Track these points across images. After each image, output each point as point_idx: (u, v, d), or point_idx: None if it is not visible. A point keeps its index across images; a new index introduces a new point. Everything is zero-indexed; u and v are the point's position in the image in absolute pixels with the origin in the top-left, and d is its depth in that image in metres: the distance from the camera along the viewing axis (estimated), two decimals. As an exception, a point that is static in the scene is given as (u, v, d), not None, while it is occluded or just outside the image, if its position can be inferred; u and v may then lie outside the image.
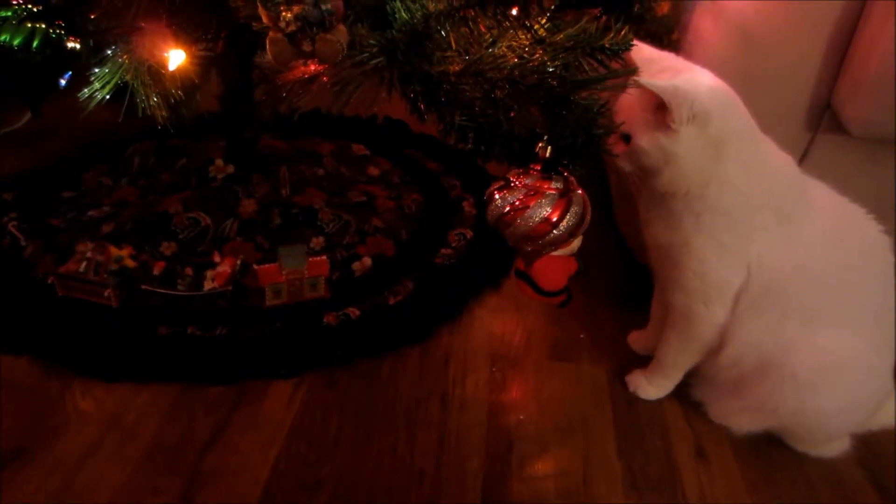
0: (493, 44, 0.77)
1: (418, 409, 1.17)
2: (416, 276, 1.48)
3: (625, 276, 1.54)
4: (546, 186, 0.82)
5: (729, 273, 1.04)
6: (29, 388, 1.15)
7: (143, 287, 1.32)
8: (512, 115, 0.77)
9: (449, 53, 0.77)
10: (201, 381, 1.18)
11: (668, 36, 1.15)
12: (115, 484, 1.00)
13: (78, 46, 0.77)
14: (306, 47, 0.66)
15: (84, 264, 1.29)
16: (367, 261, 1.50)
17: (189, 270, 1.37)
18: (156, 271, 1.36)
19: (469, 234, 1.65)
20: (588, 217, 0.86)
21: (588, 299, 1.46)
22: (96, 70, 0.79)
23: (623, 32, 0.81)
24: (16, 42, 0.73)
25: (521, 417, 1.17)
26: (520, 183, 0.83)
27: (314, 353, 1.26)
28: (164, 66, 0.74)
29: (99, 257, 1.27)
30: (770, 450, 1.15)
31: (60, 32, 0.76)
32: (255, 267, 1.32)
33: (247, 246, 1.50)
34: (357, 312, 1.36)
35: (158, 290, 1.31)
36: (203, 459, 1.05)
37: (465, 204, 1.79)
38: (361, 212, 1.66)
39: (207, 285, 1.33)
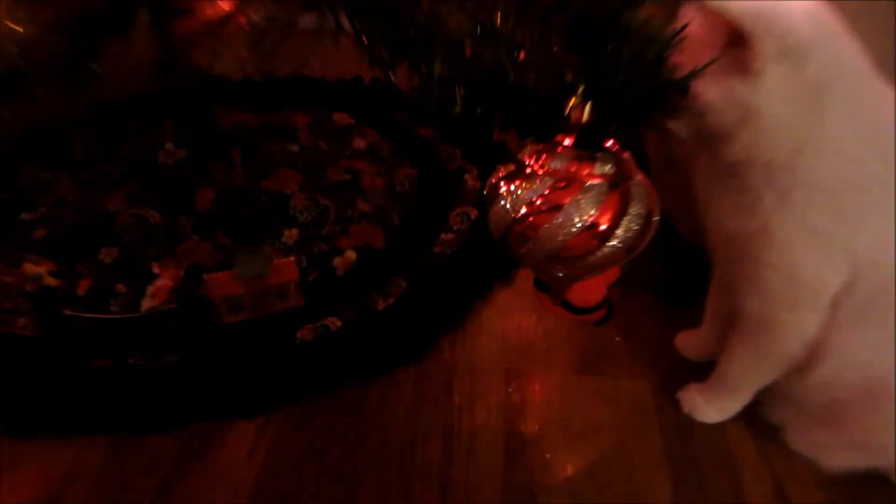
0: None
1: (415, 450, 0.92)
2: (410, 271, 1.22)
3: (669, 259, 1.25)
4: (586, 173, 0.53)
5: (826, 270, 0.77)
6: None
7: (67, 312, 1.06)
8: (522, 55, 0.49)
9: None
10: (141, 429, 0.93)
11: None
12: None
13: None
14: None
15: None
16: (351, 255, 1.24)
17: (122, 287, 1.11)
18: (81, 291, 1.10)
19: (473, 213, 1.37)
20: (656, 217, 0.57)
21: (624, 292, 1.18)
22: None
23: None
24: None
25: (547, 456, 0.92)
26: (541, 168, 0.54)
27: (285, 381, 1.01)
28: None
29: (8, 278, 1.01)
30: (875, 491, 0.89)
31: None
32: (206, 277, 1.05)
33: (204, 246, 1.24)
34: (338, 323, 1.10)
35: (85, 315, 1.05)
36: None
37: (467, 177, 1.51)
38: (344, 194, 1.40)
39: (146, 304, 1.08)
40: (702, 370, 1.00)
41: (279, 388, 1.00)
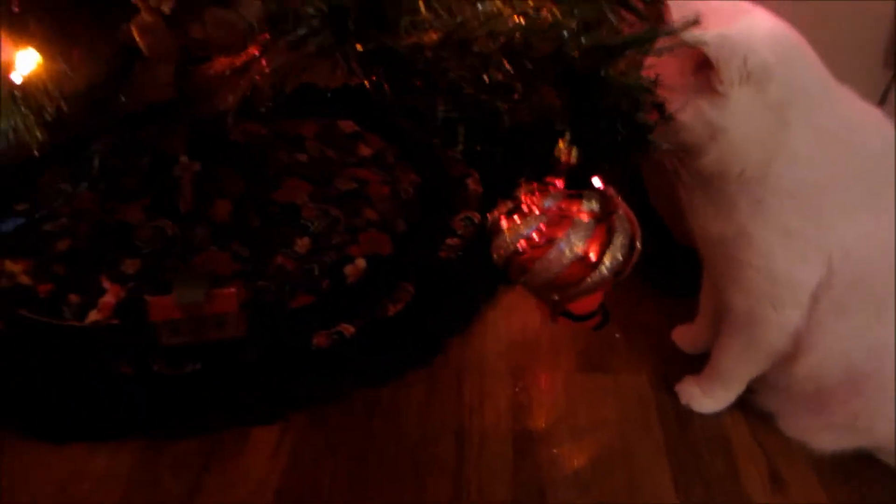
0: (480, -1, 0.53)
1: (428, 449, 0.98)
2: (418, 276, 1.27)
3: (663, 258, 1.31)
4: (575, 210, 0.59)
5: (802, 269, 0.82)
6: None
7: (22, 312, 1.14)
8: (515, 98, 0.54)
9: (420, 18, 0.54)
10: (167, 435, 0.99)
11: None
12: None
13: None
14: (196, 33, 0.44)
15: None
16: (361, 263, 1.30)
17: (75, 297, 1.18)
18: (42, 293, 1.18)
19: (476, 217, 1.43)
20: (639, 245, 0.63)
21: (621, 290, 1.24)
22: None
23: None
24: None
25: (555, 452, 0.98)
26: (535, 206, 0.60)
27: (303, 386, 1.07)
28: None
29: None
30: (863, 469, 0.94)
31: None
32: (148, 298, 1.10)
33: (222, 256, 1.30)
34: (352, 329, 1.16)
35: (35, 317, 1.14)
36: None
37: (469, 181, 1.55)
38: (351, 203, 1.45)
39: (92, 316, 1.15)
40: (697, 362, 1.06)
41: (297, 393, 1.06)
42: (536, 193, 0.61)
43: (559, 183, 0.61)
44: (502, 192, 0.66)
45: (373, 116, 1.78)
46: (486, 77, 0.51)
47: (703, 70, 0.72)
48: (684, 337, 1.14)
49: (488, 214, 0.66)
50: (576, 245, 0.59)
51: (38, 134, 0.56)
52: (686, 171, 0.80)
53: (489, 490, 0.92)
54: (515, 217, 0.62)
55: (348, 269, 1.28)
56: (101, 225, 1.36)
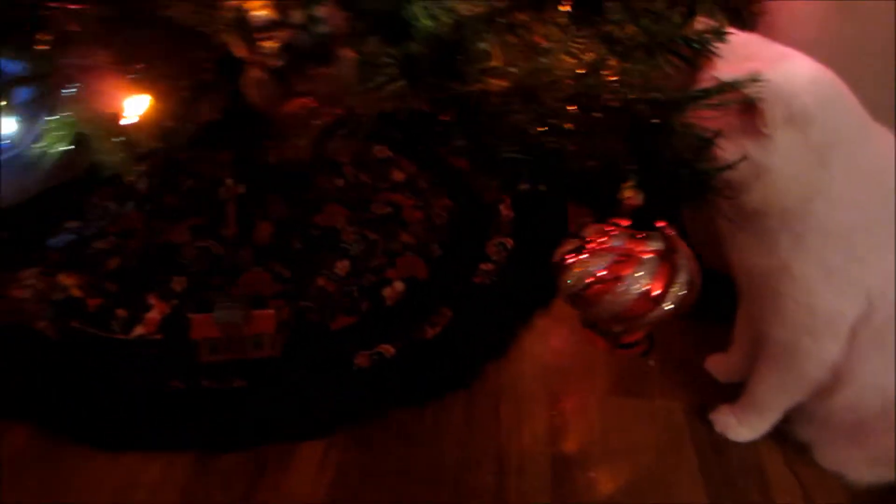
0: (548, 51, 0.57)
1: (469, 472, 1.00)
2: (454, 300, 1.31)
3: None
4: (640, 249, 0.63)
5: (842, 302, 0.85)
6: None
7: (73, 324, 1.20)
8: (582, 143, 0.58)
9: (489, 66, 0.58)
10: (217, 447, 1.03)
11: (747, 6, 0.94)
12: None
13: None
14: (301, 86, 0.48)
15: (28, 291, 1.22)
16: (399, 285, 1.34)
17: (122, 311, 1.24)
18: (91, 307, 1.24)
19: (509, 242, 1.46)
20: (699, 281, 0.67)
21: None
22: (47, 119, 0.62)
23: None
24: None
25: (591, 475, 1.00)
26: (601, 245, 0.64)
27: (346, 404, 1.10)
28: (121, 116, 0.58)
29: (40, 285, 1.21)
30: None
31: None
32: (190, 316, 1.15)
33: (264, 276, 1.35)
34: (392, 350, 1.19)
35: (88, 330, 1.19)
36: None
37: (501, 207, 1.59)
38: (387, 227, 1.49)
39: (138, 330, 1.20)
40: (731, 391, 1.08)
41: (341, 410, 1.09)
42: (604, 233, 0.65)
43: (624, 223, 0.66)
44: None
45: (404, 140, 1.83)
46: (553, 124, 0.55)
47: (747, 111, 0.75)
48: (718, 365, 1.16)
49: (554, 255, 0.70)
50: (641, 282, 0.63)
51: (135, 168, 0.61)
52: (729, 206, 0.84)
53: (530, 513, 0.94)
54: (583, 255, 0.66)
55: (387, 292, 1.32)
56: (149, 244, 1.41)
